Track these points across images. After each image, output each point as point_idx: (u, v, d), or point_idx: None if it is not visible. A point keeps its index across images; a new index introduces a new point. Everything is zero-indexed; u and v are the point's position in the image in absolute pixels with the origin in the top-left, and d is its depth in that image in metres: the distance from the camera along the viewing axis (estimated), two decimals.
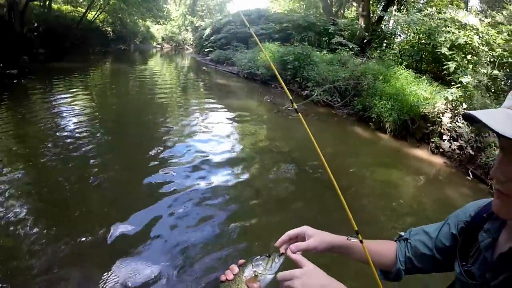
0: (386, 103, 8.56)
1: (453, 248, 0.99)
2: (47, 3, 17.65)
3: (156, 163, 5.02)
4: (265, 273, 0.95)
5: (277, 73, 1.62)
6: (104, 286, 2.60)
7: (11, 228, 3.14)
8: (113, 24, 27.30)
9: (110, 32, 26.83)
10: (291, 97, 1.79)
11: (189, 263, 2.98)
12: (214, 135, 6.74)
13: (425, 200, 5.14)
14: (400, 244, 1.15)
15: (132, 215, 3.54)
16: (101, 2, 23.29)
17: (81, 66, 14.42)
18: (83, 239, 3.11)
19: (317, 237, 1.03)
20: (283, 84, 1.54)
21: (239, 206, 4.14)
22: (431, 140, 7.53)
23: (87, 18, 22.10)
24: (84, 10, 21.61)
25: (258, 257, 1.00)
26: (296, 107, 1.72)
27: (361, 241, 1.06)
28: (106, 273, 2.73)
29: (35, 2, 15.90)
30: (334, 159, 6.24)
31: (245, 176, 5.02)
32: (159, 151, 5.48)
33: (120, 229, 3.29)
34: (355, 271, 2.76)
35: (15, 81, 9.26)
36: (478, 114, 0.68)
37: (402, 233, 1.18)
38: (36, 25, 15.27)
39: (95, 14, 23.47)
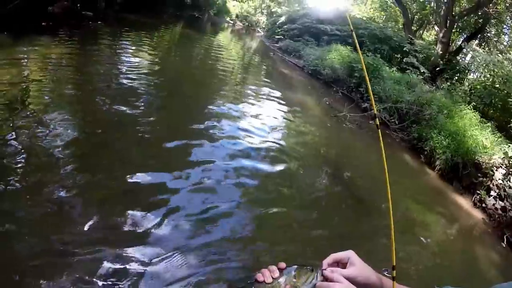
0: (443, 139, 8.30)
1: None
2: None
3: (198, 132, 5.14)
4: (304, 286, 0.97)
5: (367, 78, 1.64)
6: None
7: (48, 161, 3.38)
8: None
9: None
10: (376, 111, 1.82)
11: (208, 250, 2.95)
12: (263, 122, 6.71)
13: (450, 249, 5.05)
14: None
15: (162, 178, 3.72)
16: None
17: (153, 23, 14.80)
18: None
19: (359, 267, 1.05)
20: (370, 93, 1.55)
21: (270, 199, 4.14)
22: (477, 191, 7.23)
23: None
24: None
25: (301, 267, 1.02)
26: (378, 122, 1.70)
27: (393, 278, 1.08)
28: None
29: None
30: (373, 179, 6.11)
31: (281, 169, 4.99)
32: (205, 122, 5.57)
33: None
34: None
35: (90, 22, 9.76)
36: None
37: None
38: None
39: None
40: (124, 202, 3.17)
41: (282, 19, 25.55)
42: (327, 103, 10.13)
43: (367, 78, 1.55)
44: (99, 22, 10.69)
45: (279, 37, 23.92)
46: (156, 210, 3.15)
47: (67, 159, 3.47)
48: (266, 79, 11.99)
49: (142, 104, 5.43)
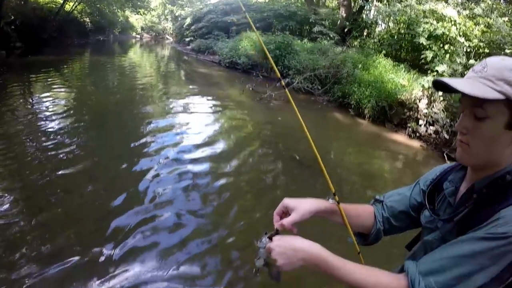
0: (364, 90, 8.76)
1: (418, 206, 1.17)
2: None
3: (140, 151, 5.13)
4: (261, 249, 1.06)
5: (267, 51, 1.66)
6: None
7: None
8: (92, 15, 26.47)
9: (89, 23, 26.04)
10: (279, 75, 1.89)
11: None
12: (198, 123, 6.81)
13: (404, 180, 5.34)
14: (376, 206, 1.28)
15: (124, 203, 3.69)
16: None
17: (60, 59, 13.99)
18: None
19: (299, 209, 1.11)
20: (272, 62, 1.59)
21: (228, 187, 4.35)
22: (408, 125, 7.78)
23: (65, 9, 21.37)
24: (61, 1, 20.92)
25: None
26: (284, 84, 1.84)
27: (338, 202, 1.19)
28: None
29: None
30: (315, 143, 6.34)
31: (233, 158, 5.24)
32: (142, 140, 5.57)
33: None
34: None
35: None
36: (446, 79, 0.90)
37: (377, 197, 1.30)
38: (12, 18, 14.66)
39: (73, 5, 22.62)
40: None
41: (188, 20, 25.28)
42: (250, 89, 10.20)
43: (266, 51, 1.55)
44: (6, 73, 9.70)
45: (189, 39, 23.64)
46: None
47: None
48: (187, 84, 11.84)
49: (75, 149, 4.94)
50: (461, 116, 0.94)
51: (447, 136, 7.04)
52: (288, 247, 0.97)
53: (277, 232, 1.06)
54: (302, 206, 1.12)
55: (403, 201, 1.22)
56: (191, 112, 7.64)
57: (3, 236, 3.03)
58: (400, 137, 7.63)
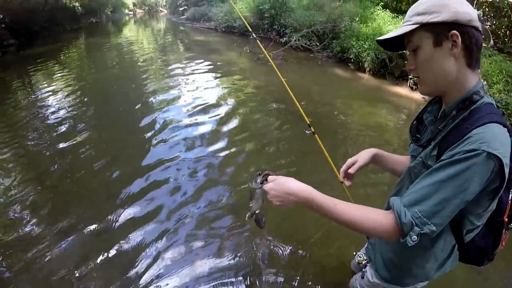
0: (363, 43, 8.62)
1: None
2: None
3: (148, 121, 5.29)
4: (256, 190, 1.18)
5: (244, 19, 1.68)
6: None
7: (14, 215, 3.24)
8: None
9: (79, 7, 25.27)
10: (262, 46, 2.03)
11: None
12: (201, 89, 6.95)
13: (406, 130, 5.33)
14: None
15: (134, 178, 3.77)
16: None
17: (55, 47, 13.73)
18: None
19: (361, 158, 1.41)
20: (249, 28, 1.62)
21: (232, 144, 4.56)
22: (409, 77, 7.67)
23: None
24: None
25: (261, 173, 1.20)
26: (268, 56, 2.00)
27: (313, 133, 1.50)
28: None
29: None
30: (317, 99, 6.42)
31: (235, 119, 5.44)
32: (148, 110, 5.75)
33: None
34: None
35: None
36: (381, 38, 1.10)
37: None
38: (1, 16, 14.48)
39: None
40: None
41: None
42: (248, 51, 10.12)
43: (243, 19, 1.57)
44: (4, 71, 9.68)
45: (183, 8, 23.17)
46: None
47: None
48: (185, 53, 11.70)
49: (82, 132, 5.00)
50: (408, 59, 1.11)
51: None
52: (281, 190, 1.07)
53: (268, 173, 1.15)
54: (363, 155, 1.42)
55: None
56: (192, 80, 7.64)
57: (21, 212, 3.23)
58: (402, 90, 7.55)
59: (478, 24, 0.98)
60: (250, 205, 1.19)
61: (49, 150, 4.55)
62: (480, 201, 0.98)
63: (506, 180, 0.92)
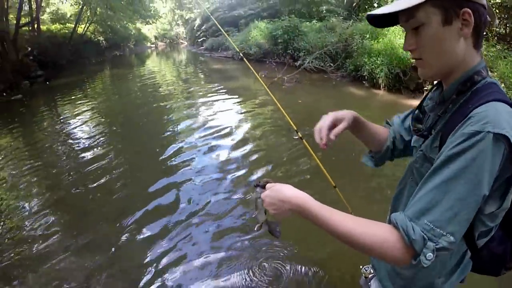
0: (376, 60, 8.77)
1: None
2: (35, 26, 17.71)
3: (167, 146, 5.51)
4: (257, 201, 1.12)
5: (230, 40, 1.92)
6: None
7: (37, 232, 3.50)
8: (104, 33, 27.12)
9: (103, 41, 26.73)
10: (252, 69, 2.18)
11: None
12: (218, 114, 7.22)
13: None
14: (388, 126, 1.36)
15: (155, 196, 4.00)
16: (88, 14, 23.27)
17: (80, 78, 14.53)
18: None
19: (346, 118, 1.17)
20: (229, 39, 1.85)
21: (244, 166, 4.71)
22: (425, 88, 7.67)
23: (77, 32, 22.16)
24: (73, 25, 21.74)
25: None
26: (259, 77, 2.19)
27: (301, 138, 1.45)
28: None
29: (24, 28, 16.09)
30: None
31: (248, 142, 5.60)
32: (172, 138, 6.00)
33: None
34: None
35: (21, 109, 9.19)
36: (374, 12, 0.94)
37: (388, 120, 1.38)
38: (29, 49, 15.55)
39: (85, 27, 23.49)
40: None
41: (198, 21, 25.75)
42: (263, 76, 10.42)
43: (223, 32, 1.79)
44: (32, 100, 10.34)
45: (201, 39, 24.07)
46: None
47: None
48: (206, 80, 12.25)
49: (106, 162, 5.20)
50: (405, 37, 0.96)
51: None
52: (276, 197, 0.98)
53: (267, 181, 1.09)
54: (347, 116, 1.18)
55: (400, 124, 1.30)
56: (213, 105, 7.98)
57: (41, 230, 3.50)
58: (418, 102, 7.54)
59: (485, 1, 0.89)
60: (253, 216, 1.15)
61: (71, 171, 4.89)
62: (492, 196, 0.82)
63: None
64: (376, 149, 1.33)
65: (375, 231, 0.85)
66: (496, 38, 9.02)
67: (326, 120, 1.15)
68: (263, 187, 1.07)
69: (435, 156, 0.87)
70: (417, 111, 1.15)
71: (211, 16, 2.15)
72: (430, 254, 0.78)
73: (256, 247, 3.06)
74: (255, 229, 1.15)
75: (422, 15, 0.88)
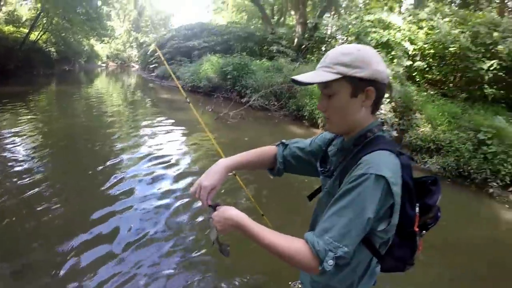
0: (316, 101, 9.23)
1: (319, 155, 1.40)
2: None
3: (108, 170, 5.42)
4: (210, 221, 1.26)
5: (171, 72, 1.98)
6: None
7: None
8: (57, 44, 26.10)
9: (54, 53, 25.63)
10: (184, 94, 2.26)
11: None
12: (163, 144, 7.20)
13: None
14: (279, 148, 1.52)
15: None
16: (44, 22, 22.39)
17: (25, 90, 13.80)
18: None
19: (217, 185, 1.31)
20: (175, 79, 1.92)
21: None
22: None
23: (30, 38, 21.17)
24: (27, 31, 20.72)
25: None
26: (187, 100, 2.45)
27: (235, 174, 1.66)
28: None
29: None
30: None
31: (191, 173, 5.61)
32: (110, 160, 5.86)
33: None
34: None
35: None
36: (296, 77, 1.15)
37: (284, 141, 1.55)
38: None
39: (38, 34, 22.56)
40: None
41: (152, 47, 25.60)
42: (210, 110, 10.58)
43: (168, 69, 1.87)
44: None
45: (153, 66, 23.96)
46: None
47: None
48: (153, 109, 12.17)
49: (47, 187, 4.78)
50: (319, 99, 1.20)
51: (397, 134, 7.63)
52: (222, 216, 1.18)
53: (217, 204, 1.26)
54: (216, 178, 1.31)
55: (305, 147, 1.47)
56: (155, 135, 7.95)
57: None
58: None
59: (387, 80, 1.13)
60: (206, 233, 1.32)
61: (4, 187, 4.59)
62: (382, 218, 1.06)
63: (399, 196, 1.04)
64: (270, 166, 1.52)
65: (292, 244, 1.07)
66: (427, 84, 9.98)
67: (207, 187, 1.29)
68: (214, 208, 1.24)
69: (336, 192, 1.09)
70: (322, 155, 1.37)
71: (158, 51, 2.21)
72: (331, 261, 1.00)
73: (197, 267, 3.09)
74: (212, 244, 1.30)
75: (336, 87, 1.10)
